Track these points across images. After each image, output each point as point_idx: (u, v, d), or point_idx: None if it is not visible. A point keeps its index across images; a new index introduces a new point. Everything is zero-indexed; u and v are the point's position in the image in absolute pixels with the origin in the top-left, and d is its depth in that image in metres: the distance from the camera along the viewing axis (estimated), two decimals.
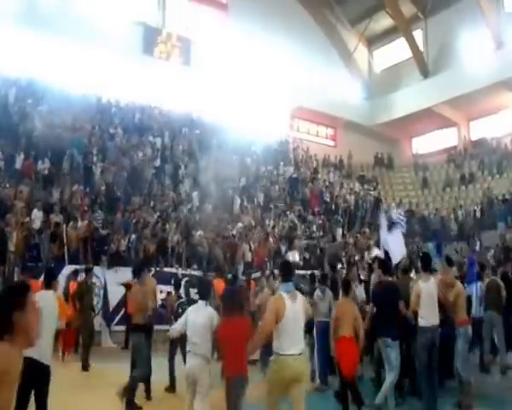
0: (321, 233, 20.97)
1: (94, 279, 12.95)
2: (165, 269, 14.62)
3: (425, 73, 29.16)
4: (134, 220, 16.14)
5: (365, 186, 27.62)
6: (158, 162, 20.41)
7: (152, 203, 17.84)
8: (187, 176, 20.59)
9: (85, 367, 9.89)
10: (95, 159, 18.30)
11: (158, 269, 13.92)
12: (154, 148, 20.98)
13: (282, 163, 25.43)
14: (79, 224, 14.49)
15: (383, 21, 30.72)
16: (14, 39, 20.17)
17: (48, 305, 4.93)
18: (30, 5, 20.19)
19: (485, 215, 22.46)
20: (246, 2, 26.14)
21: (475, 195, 24.70)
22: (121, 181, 18.14)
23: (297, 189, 23.91)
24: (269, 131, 26.48)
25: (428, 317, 6.83)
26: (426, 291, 6.89)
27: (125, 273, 13.01)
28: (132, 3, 24.12)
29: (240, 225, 18.70)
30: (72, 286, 11.66)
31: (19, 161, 16.23)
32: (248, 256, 17.05)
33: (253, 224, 19.42)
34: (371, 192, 26.74)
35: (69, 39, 20.82)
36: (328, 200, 24.15)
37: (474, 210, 23.04)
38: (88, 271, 11.35)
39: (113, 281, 13.39)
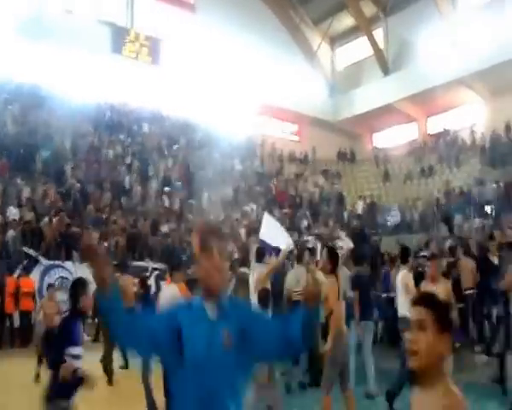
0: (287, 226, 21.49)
1: (65, 274, 13.30)
2: (136, 263, 14.92)
3: (385, 71, 30.09)
4: (104, 216, 16.42)
5: (329, 180, 28.39)
6: (128, 160, 20.73)
7: (122, 200, 18.13)
8: (156, 172, 20.90)
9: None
10: (66, 157, 18.59)
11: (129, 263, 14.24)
12: (124, 145, 21.24)
13: (248, 158, 25.98)
14: (49, 220, 14.69)
15: (345, 21, 31.52)
16: None
17: None
18: None
19: (444, 207, 23.34)
20: (212, 1, 26.63)
21: (434, 187, 25.61)
22: (92, 178, 18.49)
23: (263, 183, 24.45)
24: (236, 127, 27.12)
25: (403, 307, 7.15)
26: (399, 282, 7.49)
27: None
28: (100, 3, 24.39)
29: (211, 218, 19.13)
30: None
31: None
32: None
33: (222, 218, 19.82)
34: (335, 186, 27.49)
35: (39, 38, 20.92)
36: (293, 194, 24.80)
37: (437, 200, 23.86)
38: None
39: (85, 276, 13.62)
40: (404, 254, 7.96)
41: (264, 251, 8.24)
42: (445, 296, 6.18)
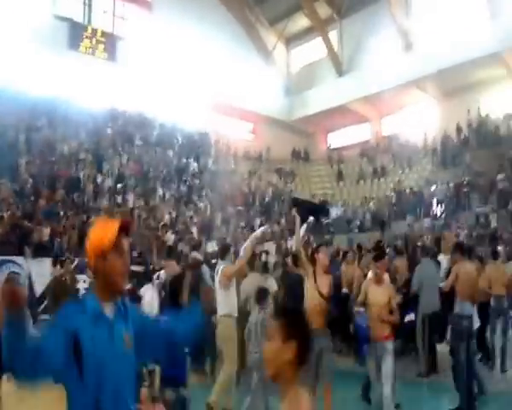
0: (242, 224, 21.33)
1: (17, 269, 12.66)
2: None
3: (340, 72, 30.38)
4: (58, 211, 15.99)
5: (283, 179, 28.38)
6: (82, 155, 20.39)
7: (74, 196, 17.68)
8: (110, 169, 20.54)
9: None
10: (20, 150, 18.28)
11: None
12: (78, 141, 20.90)
13: (203, 156, 25.75)
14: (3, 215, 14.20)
15: (300, 21, 31.66)
16: None
17: None
18: None
19: (396, 207, 23.68)
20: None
21: (387, 187, 25.99)
22: (45, 173, 18.10)
23: (216, 181, 24.20)
24: (190, 124, 26.92)
25: None
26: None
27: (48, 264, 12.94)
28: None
29: (166, 217, 18.83)
30: None
31: None
32: None
33: (174, 215, 19.51)
34: (288, 185, 27.49)
35: None
36: (246, 192, 24.65)
37: (390, 200, 24.20)
38: None
39: (37, 271, 13.13)
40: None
41: (228, 248, 7.96)
42: (387, 299, 6.09)
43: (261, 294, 6.53)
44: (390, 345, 6.04)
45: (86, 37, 24.50)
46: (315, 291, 5.99)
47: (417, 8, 27.66)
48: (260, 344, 6.40)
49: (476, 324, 7.45)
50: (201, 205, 21.83)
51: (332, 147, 32.55)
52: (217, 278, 7.12)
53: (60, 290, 6.78)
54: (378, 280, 6.26)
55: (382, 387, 5.95)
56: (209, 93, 27.26)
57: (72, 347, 2.12)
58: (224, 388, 6.68)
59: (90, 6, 25.45)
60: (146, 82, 25.27)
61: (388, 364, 5.94)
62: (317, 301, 5.96)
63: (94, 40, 24.69)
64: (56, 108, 21.48)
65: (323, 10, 30.25)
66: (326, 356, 5.90)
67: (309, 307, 5.92)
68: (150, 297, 8.12)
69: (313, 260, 6.24)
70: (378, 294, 6.12)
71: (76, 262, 12.27)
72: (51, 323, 2.37)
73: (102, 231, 2.27)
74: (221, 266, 7.20)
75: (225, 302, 6.92)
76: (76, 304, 2.31)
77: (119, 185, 19.97)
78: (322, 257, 6.24)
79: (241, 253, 7.36)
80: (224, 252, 7.60)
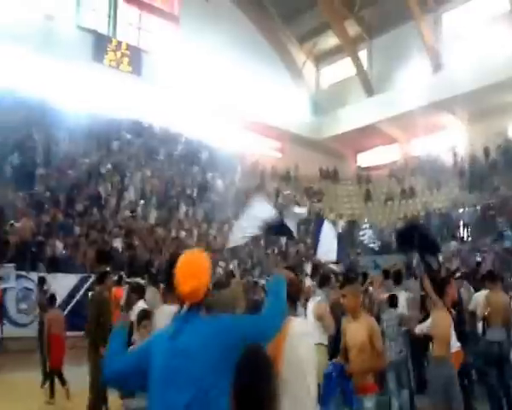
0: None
1: (29, 285, 13.06)
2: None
3: (369, 92, 30.34)
4: (77, 227, 16.23)
5: (310, 198, 28.46)
6: (104, 169, 20.56)
7: (95, 210, 17.92)
8: (132, 184, 20.74)
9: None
10: (38, 162, 18.39)
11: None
12: (100, 154, 21.03)
13: (229, 174, 25.95)
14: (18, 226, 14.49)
15: (330, 40, 31.74)
16: None
17: None
18: None
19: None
20: (197, 15, 26.73)
21: (414, 208, 25.78)
22: (64, 186, 18.19)
23: (243, 199, 24.34)
24: (216, 141, 27.10)
25: None
26: None
27: (65, 279, 13.28)
28: (83, 11, 24.31)
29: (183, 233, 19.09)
30: None
31: None
32: None
33: (196, 233, 19.69)
34: (315, 204, 27.56)
35: (19, 45, 20.71)
36: None
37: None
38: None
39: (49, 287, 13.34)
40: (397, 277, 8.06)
41: (329, 277, 7.65)
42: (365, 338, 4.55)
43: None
44: (369, 402, 4.49)
45: (111, 49, 24.59)
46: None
47: (447, 30, 27.58)
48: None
49: None
50: (226, 225, 21.93)
51: (361, 166, 32.50)
52: (310, 307, 6.93)
53: (102, 307, 6.77)
54: (352, 312, 4.72)
55: None
56: (236, 110, 27.44)
57: None
58: None
59: (114, 18, 25.64)
60: (172, 96, 25.41)
61: None
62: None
63: (119, 53, 24.75)
64: (78, 120, 21.78)
65: (353, 29, 30.31)
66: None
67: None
68: None
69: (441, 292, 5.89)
70: (354, 332, 4.62)
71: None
72: None
73: (209, 262, 2.49)
74: (318, 298, 7.00)
75: (318, 332, 6.60)
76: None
77: (141, 201, 20.25)
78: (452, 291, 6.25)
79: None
80: (323, 281, 7.40)
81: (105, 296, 6.95)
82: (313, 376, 2.87)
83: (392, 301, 7.30)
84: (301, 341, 2.90)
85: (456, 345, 6.21)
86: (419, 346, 7.54)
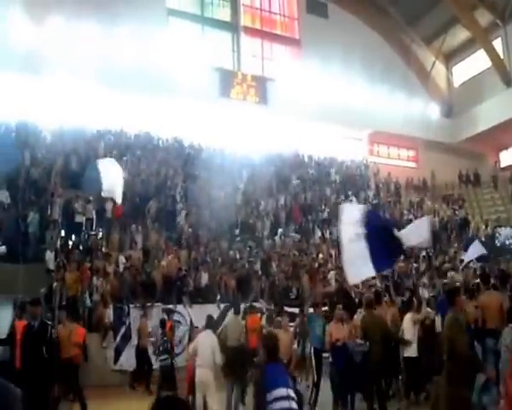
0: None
1: (177, 317, 13.59)
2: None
3: (508, 82, 27.97)
4: (218, 258, 16.74)
5: (450, 206, 26.67)
6: (239, 200, 21.08)
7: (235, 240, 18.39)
8: (266, 212, 21.00)
9: None
10: (178, 201, 19.27)
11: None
12: (234, 186, 21.65)
13: (362, 190, 25.31)
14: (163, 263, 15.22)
15: (459, 34, 29.92)
16: (99, 96, 21.70)
17: None
18: (108, 63, 21.46)
19: None
20: (318, 34, 26.79)
21: None
22: (204, 221, 18.90)
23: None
24: (348, 159, 26.66)
25: None
26: None
27: (208, 309, 13.59)
28: (208, 51, 25.37)
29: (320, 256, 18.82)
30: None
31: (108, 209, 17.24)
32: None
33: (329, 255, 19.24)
34: (457, 211, 25.72)
35: (152, 93, 22.17)
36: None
37: None
38: None
39: (197, 318, 13.65)
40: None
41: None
42: None
43: None
44: None
45: (237, 83, 25.22)
46: None
47: None
48: None
49: None
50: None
51: (503, 166, 29.85)
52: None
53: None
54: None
55: None
56: (366, 123, 26.87)
57: None
58: None
59: (238, 53, 26.49)
60: (300, 120, 25.49)
61: None
62: None
63: (244, 85, 25.33)
64: (212, 156, 22.46)
65: (484, 18, 28.24)
66: None
67: None
68: None
69: None
70: None
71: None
72: None
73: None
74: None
75: None
76: None
77: (279, 230, 20.38)
78: None
79: None
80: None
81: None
82: None
83: None
84: None
85: None
86: None
